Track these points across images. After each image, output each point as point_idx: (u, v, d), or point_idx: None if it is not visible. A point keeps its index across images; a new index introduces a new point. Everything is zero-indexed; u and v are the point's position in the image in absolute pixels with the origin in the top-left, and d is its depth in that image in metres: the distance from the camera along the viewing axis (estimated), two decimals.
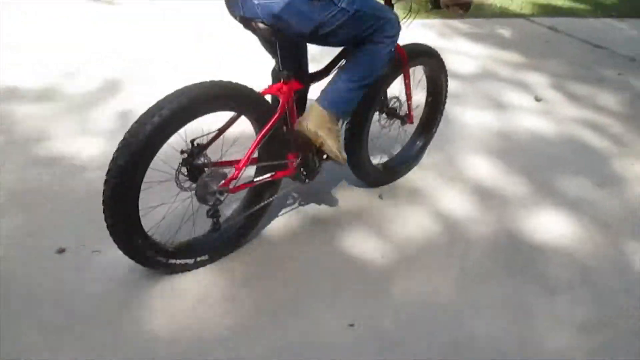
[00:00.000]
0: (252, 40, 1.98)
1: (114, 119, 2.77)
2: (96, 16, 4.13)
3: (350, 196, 2.40)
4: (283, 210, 2.26)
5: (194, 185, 1.72)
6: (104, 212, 1.57)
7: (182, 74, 3.32)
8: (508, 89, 3.84)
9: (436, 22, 5.12)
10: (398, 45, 2.06)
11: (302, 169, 2.02)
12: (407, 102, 2.35)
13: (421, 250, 2.14)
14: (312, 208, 2.30)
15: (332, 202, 2.35)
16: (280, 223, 2.19)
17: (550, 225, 2.39)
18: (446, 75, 2.51)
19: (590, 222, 2.45)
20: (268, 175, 1.92)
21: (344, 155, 2.00)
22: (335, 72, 1.96)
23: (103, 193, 1.55)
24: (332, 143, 1.89)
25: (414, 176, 2.63)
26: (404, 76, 2.26)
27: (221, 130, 1.80)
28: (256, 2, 1.63)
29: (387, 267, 2.03)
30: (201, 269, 1.90)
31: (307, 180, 2.04)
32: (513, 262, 2.14)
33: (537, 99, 3.73)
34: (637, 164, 3.05)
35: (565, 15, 6.17)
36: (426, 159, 2.77)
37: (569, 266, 2.16)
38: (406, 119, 2.38)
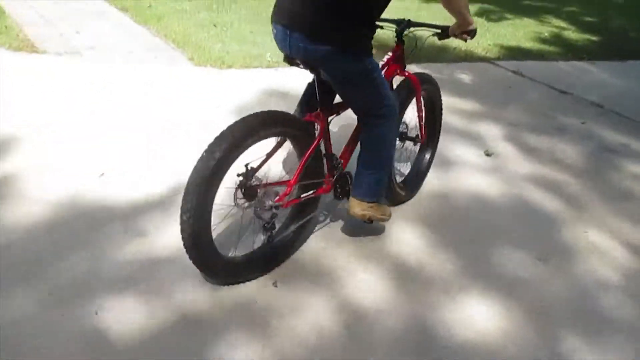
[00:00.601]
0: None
1: None
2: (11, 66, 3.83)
3: (237, 284, 2.03)
4: (148, 304, 1.88)
5: (246, 204, 1.94)
6: (182, 234, 1.79)
7: (80, 138, 3.00)
8: (457, 142, 3.52)
9: None
10: (410, 73, 2.43)
11: (337, 187, 2.27)
12: (420, 123, 2.63)
13: None
14: (186, 301, 1.92)
15: (212, 292, 1.98)
16: (140, 319, 1.81)
17: (475, 317, 2.02)
18: (440, 95, 2.74)
19: (524, 311, 2.08)
20: (311, 192, 2.14)
21: (389, 212, 2.32)
22: (357, 161, 2.19)
23: (180, 217, 1.76)
24: (378, 214, 2.23)
25: (324, 252, 2.27)
26: (417, 100, 2.51)
27: (269, 155, 2.03)
28: (301, 45, 1.87)
29: None
30: None
31: (341, 197, 2.29)
32: None
33: (488, 154, 3.41)
34: (590, 231, 2.69)
35: (533, 59, 5.93)
36: (344, 230, 2.42)
37: None
38: (418, 139, 2.67)
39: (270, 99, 3.76)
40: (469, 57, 5.66)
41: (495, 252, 2.42)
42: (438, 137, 2.88)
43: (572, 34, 7.42)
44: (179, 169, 2.68)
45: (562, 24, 7.98)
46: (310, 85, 2.21)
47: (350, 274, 2.16)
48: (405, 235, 2.46)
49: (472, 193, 2.91)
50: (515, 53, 6.03)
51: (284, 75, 4.33)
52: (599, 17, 8.82)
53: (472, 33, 2.17)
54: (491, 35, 6.50)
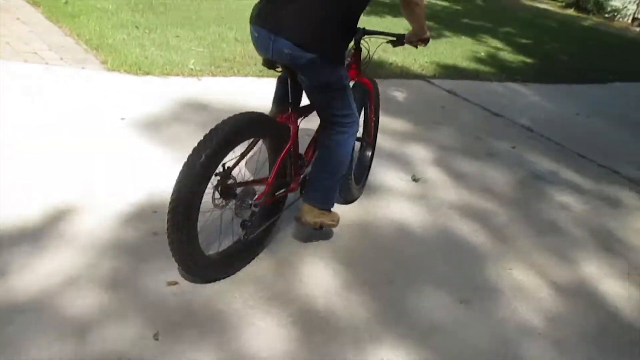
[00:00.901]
0: None
1: None
2: None
3: (115, 335, 1.71)
4: None
5: (223, 203, 1.94)
6: (167, 229, 1.79)
7: None
8: (385, 165, 3.31)
9: None
10: (365, 78, 2.59)
11: (303, 186, 2.31)
12: (370, 123, 2.80)
13: None
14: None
15: (75, 347, 1.65)
16: None
17: None
18: (379, 96, 2.84)
19: None
20: (282, 190, 2.22)
21: (338, 217, 2.33)
22: (312, 166, 2.27)
23: (168, 213, 1.77)
24: (328, 220, 2.26)
25: (220, 294, 1.98)
26: (370, 103, 2.68)
27: (243, 154, 2.01)
28: (286, 52, 1.90)
29: None
30: None
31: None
32: None
33: (415, 179, 3.22)
34: (515, 268, 2.54)
35: (468, 78, 5.88)
36: (246, 267, 2.15)
37: None
38: (367, 138, 2.85)
39: (185, 111, 3.45)
40: (404, 74, 5.53)
41: (415, 293, 2.22)
42: (377, 132, 2.98)
43: (507, 54, 7.49)
44: (60, 193, 2.34)
45: (498, 44, 8.06)
46: (282, 84, 2.26)
47: (247, 321, 1.88)
48: (316, 273, 2.22)
49: (395, 223, 2.70)
50: (450, 71, 5.97)
51: (206, 86, 4.03)
52: (533, 40, 9.00)
53: (426, 41, 2.36)
54: (428, 52, 6.42)
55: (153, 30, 5.06)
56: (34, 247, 2.02)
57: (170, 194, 1.77)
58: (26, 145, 2.68)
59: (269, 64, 2.05)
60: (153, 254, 2.09)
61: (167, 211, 1.78)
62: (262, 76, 4.44)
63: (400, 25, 7.48)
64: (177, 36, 5.03)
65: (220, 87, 4.07)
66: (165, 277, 1.99)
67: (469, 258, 2.55)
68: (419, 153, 3.62)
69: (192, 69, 4.26)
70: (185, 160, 1.77)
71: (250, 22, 2.00)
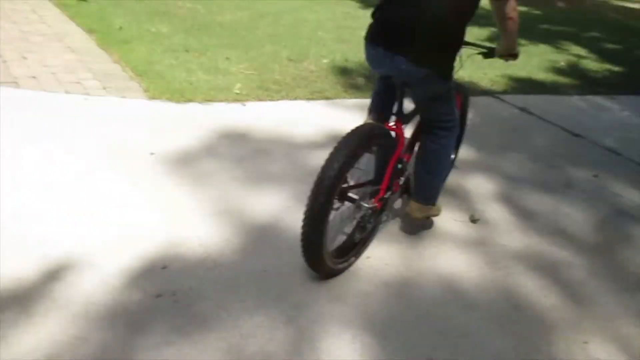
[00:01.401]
0: None
1: None
2: None
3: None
4: None
5: (339, 205, 2.11)
6: (301, 236, 1.97)
7: None
8: (439, 202, 2.89)
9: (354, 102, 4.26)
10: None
11: (403, 187, 2.49)
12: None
13: None
14: None
15: None
16: None
17: None
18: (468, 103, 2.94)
19: None
20: (390, 193, 2.33)
21: (440, 207, 2.58)
22: (417, 168, 2.42)
23: (302, 221, 1.94)
24: (433, 212, 2.51)
25: None
26: (458, 109, 2.59)
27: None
28: (404, 67, 2.08)
29: None
30: None
31: (403, 195, 2.61)
32: None
33: (473, 220, 2.79)
34: (592, 341, 2.06)
35: (545, 92, 5.29)
36: (260, 340, 1.83)
37: None
38: None
39: (222, 143, 3.23)
40: (471, 90, 5.03)
41: None
42: (462, 137, 3.01)
43: (591, 63, 6.75)
44: (63, 244, 2.15)
45: (581, 51, 7.31)
46: (380, 95, 2.47)
47: None
48: (339, 349, 1.86)
49: (444, 280, 2.30)
50: (525, 85, 5.40)
51: (250, 112, 3.80)
52: (622, 44, 8.13)
53: (516, 56, 2.36)
54: (500, 65, 5.82)
55: (203, 53, 4.92)
56: (19, 314, 1.81)
57: (305, 205, 1.92)
58: (29, 186, 2.52)
59: (384, 77, 2.31)
60: (151, 323, 1.83)
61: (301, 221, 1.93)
62: (312, 99, 4.16)
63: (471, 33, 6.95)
64: (228, 58, 4.86)
65: (264, 112, 3.82)
66: (160, 355, 1.71)
67: (533, 328, 2.10)
68: (482, 186, 3.17)
69: (237, 94, 4.05)
70: (317, 174, 1.91)
71: (366, 40, 2.19)
